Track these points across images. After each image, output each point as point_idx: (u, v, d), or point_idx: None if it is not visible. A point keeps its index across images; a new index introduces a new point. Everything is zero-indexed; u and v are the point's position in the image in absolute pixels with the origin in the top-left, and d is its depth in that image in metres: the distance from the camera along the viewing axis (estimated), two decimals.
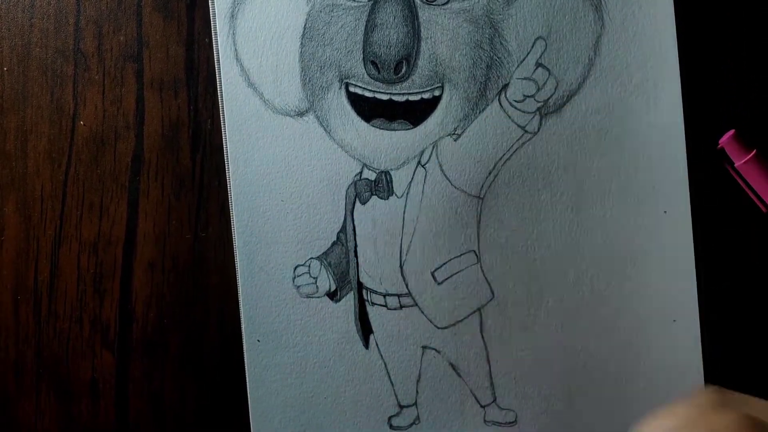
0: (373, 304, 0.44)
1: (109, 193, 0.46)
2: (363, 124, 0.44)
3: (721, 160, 0.43)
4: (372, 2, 0.43)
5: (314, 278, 0.44)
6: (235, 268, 0.45)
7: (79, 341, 0.46)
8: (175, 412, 0.46)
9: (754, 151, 0.42)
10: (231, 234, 0.45)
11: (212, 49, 0.45)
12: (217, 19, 0.44)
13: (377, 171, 0.44)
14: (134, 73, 0.46)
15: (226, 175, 0.45)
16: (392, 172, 0.44)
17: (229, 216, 0.45)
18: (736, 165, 0.43)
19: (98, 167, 0.46)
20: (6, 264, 0.47)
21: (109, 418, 0.46)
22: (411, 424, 0.44)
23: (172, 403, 0.46)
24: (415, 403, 0.44)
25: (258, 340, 0.44)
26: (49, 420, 0.47)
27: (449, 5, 0.43)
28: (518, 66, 0.43)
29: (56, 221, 0.46)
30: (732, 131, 0.43)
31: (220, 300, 0.46)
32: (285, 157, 0.44)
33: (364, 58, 0.43)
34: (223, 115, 0.44)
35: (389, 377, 0.44)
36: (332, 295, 0.44)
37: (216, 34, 0.44)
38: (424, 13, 0.43)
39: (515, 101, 0.43)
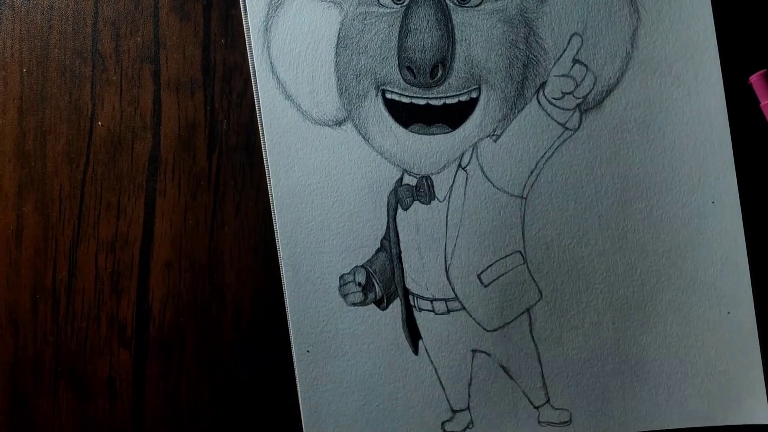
0: (420, 309, 0.44)
1: (127, 193, 0.46)
2: (401, 130, 0.44)
3: (748, 97, 0.43)
4: (404, 8, 0.43)
5: (360, 286, 0.44)
6: (251, 268, 0.45)
7: (96, 340, 0.47)
8: (191, 410, 0.46)
9: None
10: (246, 233, 0.45)
11: (228, 50, 0.45)
12: (251, 33, 0.44)
13: (418, 176, 0.44)
14: (151, 74, 0.46)
15: (242, 176, 0.45)
16: (433, 177, 0.44)
17: (245, 215, 0.45)
18: (761, 104, 0.42)
19: (116, 167, 0.47)
20: (25, 263, 0.47)
21: (125, 416, 0.47)
22: (465, 429, 0.44)
23: (188, 401, 0.46)
24: (468, 407, 0.44)
25: (307, 351, 0.44)
26: (66, 417, 0.47)
27: (482, 6, 0.43)
28: (555, 63, 0.43)
29: (74, 221, 0.47)
30: (764, 70, 0.42)
31: (235, 299, 0.46)
32: (325, 167, 0.44)
33: (399, 63, 0.43)
34: (262, 128, 0.44)
35: (440, 382, 0.44)
36: (379, 303, 0.44)
37: (251, 47, 0.44)
38: (458, 16, 0.43)
39: (554, 99, 0.43)
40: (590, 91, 0.43)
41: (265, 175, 0.44)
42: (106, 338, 0.47)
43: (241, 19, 0.44)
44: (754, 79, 0.42)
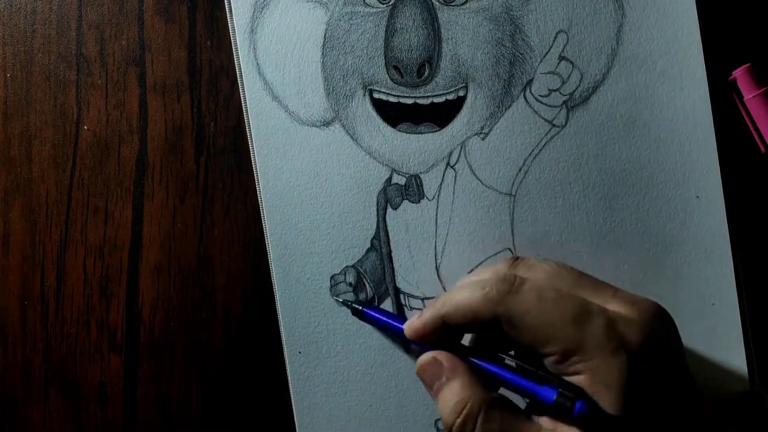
0: (411, 308, 0.44)
1: (114, 197, 0.46)
2: (389, 129, 0.44)
3: (731, 93, 0.43)
4: (390, 7, 0.43)
5: (351, 286, 0.44)
6: (241, 271, 0.45)
7: (86, 345, 0.47)
8: (183, 414, 0.46)
9: (765, 87, 0.42)
10: (235, 236, 0.45)
11: (214, 52, 0.45)
12: (237, 34, 0.44)
13: (407, 175, 0.44)
14: (137, 77, 0.46)
15: (230, 178, 0.45)
16: (422, 175, 0.44)
17: (234, 218, 0.45)
18: (744, 99, 0.43)
19: (103, 171, 0.46)
20: (12, 269, 0.47)
21: (117, 422, 0.47)
22: None
23: (180, 405, 0.46)
24: None
25: (299, 352, 0.44)
26: (57, 424, 0.47)
27: (468, 5, 0.43)
28: (541, 61, 0.43)
29: (62, 226, 0.46)
30: (747, 64, 0.42)
31: (226, 302, 0.46)
32: (314, 167, 0.44)
33: (386, 63, 0.43)
34: (250, 130, 0.44)
35: None
36: (370, 302, 0.44)
37: (237, 49, 0.44)
38: (444, 15, 0.43)
39: (541, 96, 0.43)
40: (576, 88, 0.43)
41: (253, 176, 0.44)
42: (96, 344, 0.47)
43: (227, 21, 0.44)
44: (738, 74, 0.43)
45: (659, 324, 0.34)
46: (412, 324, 0.38)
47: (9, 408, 0.47)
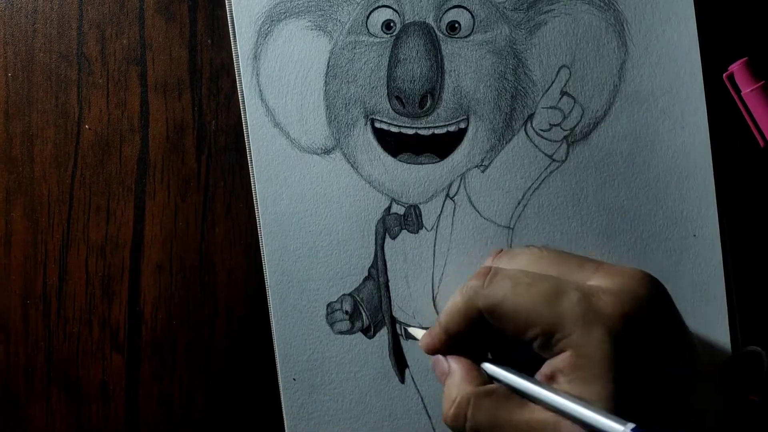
0: (407, 338, 0.44)
1: (116, 196, 0.46)
2: (390, 159, 0.44)
3: (729, 89, 0.43)
4: (394, 37, 0.43)
5: (347, 314, 0.44)
6: (242, 269, 0.45)
7: (88, 344, 0.47)
8: (185, 412, 0.46)
9: (763, 81, 0.42)
10: (237, 234, 0.46)
11: (214, 51, 0.45)
12: (240, 60, 0.44)
13: (406, 205, 0.44)
14: (138, 76, 0.46)
15: (231, 176, 0.45)
16: (421, 206, 0.44)
17: (235, 216, 0.45)
18: (742, 93, 0.42)
19: (104, 170, 0.46)
20: (14, 268, 0.47)
21: (119, 420, 0.47)
22: None
23: (182, 403, 0.46)
24: None
25: (294, 379, 0.44)
26: (60, 423, 0.47)
27: (471, 37, 0.43)
28: (543, 95, 0.43)
29: (63, 225, 0.47)
30: (745, 59, 0.42)
31: (227, 300, 0.46)
32: (313, 195, 0.44)
33: (388, 93, 0.43)
34: (250, 155, 0.44)
35: (426, 411, 0.44)
36: (366, 331, 0.44)
37: (240, 75, 0.44)
38: (447, 46, 0.43)
39: (541, 130, 0.43)
40: (577, 123, 0.43)
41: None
42: (98, 342, 0.47)
43: (227, 19, 0.44)
44: (735, 68, 0.42)
45: (643, 292, 0.34)
46: (424, 339, 0.38)
47: (11, 407, 0.47)
